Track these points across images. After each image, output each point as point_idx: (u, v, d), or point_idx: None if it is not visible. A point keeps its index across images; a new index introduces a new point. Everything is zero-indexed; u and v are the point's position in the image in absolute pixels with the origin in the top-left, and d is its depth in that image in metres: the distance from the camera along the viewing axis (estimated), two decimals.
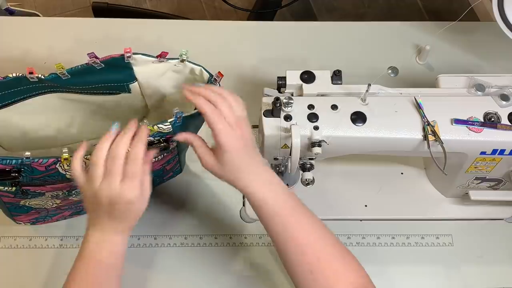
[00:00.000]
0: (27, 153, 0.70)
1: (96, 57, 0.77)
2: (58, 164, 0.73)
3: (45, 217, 0.89)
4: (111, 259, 0.70)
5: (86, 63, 0.78)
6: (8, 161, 0.69)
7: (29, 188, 0.76)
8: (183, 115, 0.74)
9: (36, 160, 0.70)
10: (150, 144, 0.75)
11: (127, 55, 0.78)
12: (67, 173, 0.75)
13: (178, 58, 0.80)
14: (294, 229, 0.69)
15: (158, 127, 0.74)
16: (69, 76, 0.78)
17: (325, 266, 0.68)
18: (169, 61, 0.80)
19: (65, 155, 0.71)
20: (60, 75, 0.78)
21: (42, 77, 0.77)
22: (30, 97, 0.81)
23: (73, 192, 0.81)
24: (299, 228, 0.70)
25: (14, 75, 0.76)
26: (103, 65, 0.78)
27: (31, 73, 0.75)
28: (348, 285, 0.67)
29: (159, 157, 0.82)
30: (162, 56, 0.79)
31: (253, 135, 0.72)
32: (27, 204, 0.81)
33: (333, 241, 0.71)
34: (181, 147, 0.87)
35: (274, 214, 0.70)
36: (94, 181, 0.67)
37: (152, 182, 0.72)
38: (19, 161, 0.69)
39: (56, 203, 0.84)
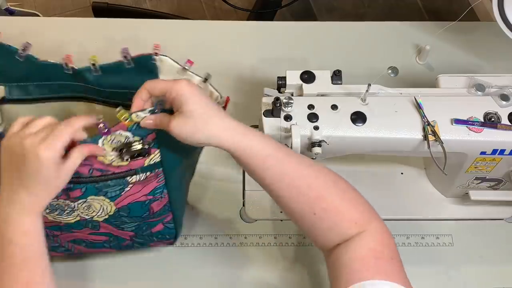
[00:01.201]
0: None
1: (128, 53, 0.75)
2: None
3: None
4: (24, 240, 0.64)
5: (118, 60, 0.75)
6: None
7: None
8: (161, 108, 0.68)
9: None
10: (127, 146, 0.70)
11: (155, 51, 0.75)
12: None
13: (202, 77, 0.77)
14: (290, 170, 0.67)
15: (137, 115, 0.68)
16: (100, 73, 0.76)
17: (327, 205, 0.66)
18: (193, 77, 0.77)
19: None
20: (93, 69, 0.75)
21: (76, 68, 0.75)
22: (59, 99, 0.79)
23: None
24: (294, 168, 0.67)
25: (52, 61, 0.74)
26: (133, 64, 0.75)
27: (66, 64, 0.74)
28: (350, 222, 0.66)
29: (140, 176, 0.72)
30: (189, 63, 0.77)
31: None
32: None
33: (333, 177, 0.69)
34: (172, 182, 0.75)
35: (265, 159, 0.66)
36: (20, 134, 0.63)
37: (133, 240, 0.73)
38: None
39: None
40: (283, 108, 0.77)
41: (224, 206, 0.94)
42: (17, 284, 0.64)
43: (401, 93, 0.81)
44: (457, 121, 0.77)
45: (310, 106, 0.78)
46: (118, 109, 0.69)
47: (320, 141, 0.76)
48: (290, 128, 0.76)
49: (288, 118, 0.77)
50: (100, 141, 0.69)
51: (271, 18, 1.76)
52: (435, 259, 0.90)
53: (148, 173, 0.73)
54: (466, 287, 0.89)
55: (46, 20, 1.29)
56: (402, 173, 0.97)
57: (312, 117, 0.77)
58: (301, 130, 0.76)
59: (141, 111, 0.68)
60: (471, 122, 0.77)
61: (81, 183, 0.71)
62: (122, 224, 0.77)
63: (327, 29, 1.15)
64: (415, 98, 0.79)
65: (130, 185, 0.73)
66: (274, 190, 0.68)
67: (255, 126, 0.98)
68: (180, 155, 0.74)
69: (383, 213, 0.92)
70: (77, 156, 0.65)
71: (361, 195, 0.70)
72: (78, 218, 0.75)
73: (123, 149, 0.69)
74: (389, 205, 0.94)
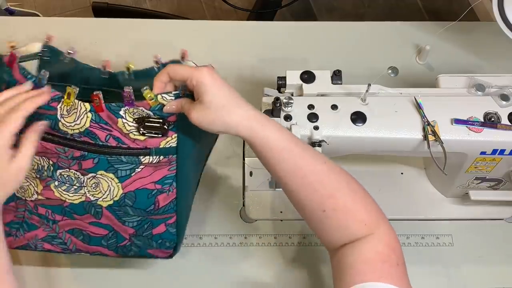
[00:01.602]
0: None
1: (159, 60, 0.76)
2: (60, 103, 0.69)
3: (19, 227, 0.78)
4: None
5: (151, 67, 0.76)
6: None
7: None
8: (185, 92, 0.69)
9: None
10: (146, 121, 0.70)
11: (183, 56, 0.75)
12: (62, 119, 0.70)
13: None
14: (304, 165, 0.67)
15: (162, 96, 0.69)
16: (133, 77, 0.77)
17: (338, 204, 0.66)
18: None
19: (70, 89, 0.68)
20: (126, 73, 0.77)
21: (112, 72, 0.75)
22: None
23: (58, 172, 0.73)
24: (308, 164, 0.67)
25: (92, 65, 0.75)
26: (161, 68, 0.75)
27: (104, 68, 0.75)
28: (359, 223, 0.66)
29: (153, 158, 0.72)
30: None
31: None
32: None
33: (345, 177, 0.69)
34: (182, 175, 0.75)
35: (280, 151, 0.66)
36: None
37: (131, 242, 0.72)
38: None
39: (37, 192, 0.75)
40: (283, 108, 0.77)
41: (224, 206, 0.94)
42: None
43: (401, 93, 0.81)
44: (457, 121, 0.77)
45: (310, 106, 0.78)
46: (144, 88, 0.69)
47: (320, 141, 0.76)
48: (290, 128, 0.76)
49: (288, 118, 0.77)
50: (123, 109, 0.70)
51: (271, 18, 1.76)
52: (435, 259, 0.90)
53: (161, 157, 0.72)
54: (466, 287, 0.89)
55: (46, 20, 1.29)
56: (402, 173, 0.97)
57: (312, 117, 0.77)
58: (301, 130, 0.76)
59: (167, 93, 0.69)
60: (471, 122, 0.77)
61: (95, 153, 0.71)
62: (124, 216, 0.75)
63: (327, 29, 1.15)
64: (415, 98, 0.79)
65: (142, 167, 0.73)
66: (287, 183, 0.68)
67: None
68: (195, 145, 0.74)
69: None
70: (29, 147, 0.64)
71: (371, 197, 0.69)
72: (83, 199, 0.74)
73: (143, 122, 0.70)
74: (389, 205, 0.93)
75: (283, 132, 0.68)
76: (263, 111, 0.78)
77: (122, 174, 0.73)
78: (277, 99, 0.76)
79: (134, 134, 0.71)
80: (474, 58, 1.09)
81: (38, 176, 0.74)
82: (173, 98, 0.69)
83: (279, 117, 0.78)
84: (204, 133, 0.70)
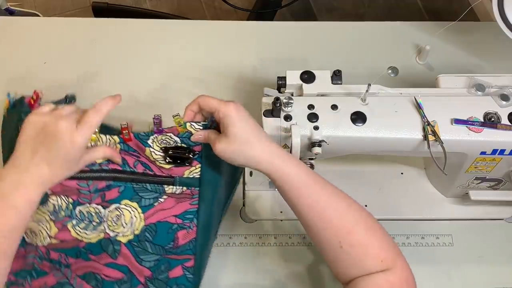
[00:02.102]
0: None
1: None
2: None
3: (27, 275, 0.74)
4: (27, 209, 0.66)
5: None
6: None
7: None
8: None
9: None
10: (172, 149, 0.73)
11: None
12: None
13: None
14: (322, 201, 0.69)
15: (191, 124, 0.72)
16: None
17: (355, 240, 0.67)
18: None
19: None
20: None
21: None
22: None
23: (77, 209, 0.74)
24: (327, 200, 0.69)
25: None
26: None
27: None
28: (376, 260, 0.67)
29: (177, 188, 0.75)
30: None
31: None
32: None
33: (364, 213, 0.70)
34: (204, 211, 0.76)
35: (300, 187, 0.68)
36: (54, 114, 0.69)
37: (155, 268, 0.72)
38: None
39: (50, 236, 0.74)
40: (283, 108, 0.77)
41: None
42: None
43: (401, 93, 0.81)
44: (457, 121, 0.77)
45: (310, 106, 0.78)
46: (175, 114, 0.73)
47: (320, 141, 0.76)
48: (290, 128, 0.76)
49: (288, 118, 0.77)
50: (151, 138, 0.74)
51: (271, 18, 1.76)
52: (435, 259, 0.90)
53: (184, 188, 0.76)
54: (466, 287, 0.89)
55: (46, 20, 1.29)
56: (402, 173, 0.97)
57: (312, 117, 0.77)
58: (301, 130, 0.76)
59: (196, 122, 0.73)
60: (471, 122, 0.77)
61: (122, 180, 0.73)
62: (142, 254, 0.74)
63: (327, 29, 1.15)
64: (415, 98, 0.79)
65: (165, 197, 0.75)
66: (305, 218, 0.70)
67: None
68: (217, 178, 0.76)
69: (383, 213, 0.93)
70: (100, 153, 0.72)
71: (388, 234, 0.71)
72: (101, 236, 0.73)
73: (169, 150, 0.73)
74: (389, 205, 0.94)
75: (303, 168, 0.70)
76: (263, 111, 0.78)
77: (146, 203, 0.74)
78: (277, 99, 0.76)
79: (160, 163, 0.75)
80: (474, 58, 1.09)
81: (53, 218, 0.74)
82: (201, 128, 0.73)
83: (279, 117, 0.77)
84: (226, 168, 0.74)
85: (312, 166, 0.83)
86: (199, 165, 0.75)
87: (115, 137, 0.75)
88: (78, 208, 0.74)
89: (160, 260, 0.75)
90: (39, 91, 0.80)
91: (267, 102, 0.79)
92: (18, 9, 1.53)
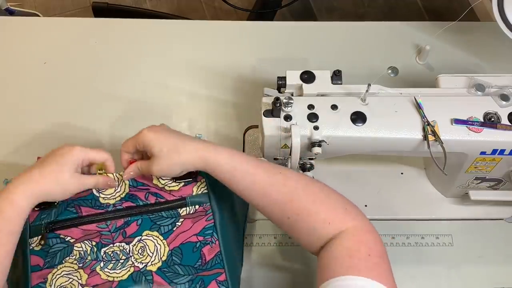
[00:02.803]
0: None
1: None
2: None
3: None
4: (10, 212, 0.68)
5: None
6: None
7: (60, 233, 0.74)
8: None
9: None
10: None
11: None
12: (100, 194, 0.76)
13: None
14: (258, 179, 0.71)
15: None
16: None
17: (298, 208, 0.70)
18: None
19: (101, 165, 0.76)
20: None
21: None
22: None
23: (102, 251, 0.74)
24: (262, 177, 0.71)
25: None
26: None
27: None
28: (323, 223, 0.68)
29: (190, 209, 0.77)
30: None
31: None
32: (53, 282, 0.72)
33: (303, 181, 0.72)
34: (221, 223, 0.77)
35: (234, 172, 0.71)
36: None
37: None
38: None
39: (82, 284, 0.73)
40: (283, 108, 0.77)
41: None
42: None
43: (401, 93, 0.81)
44: (457, 121, 0.77)
45: (310, 106, 0.78)
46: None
47: (320, 141, 0.76)
48: (290, 128, 0.76)
49: (288, 118, 0.77)
50: None
51: (271, 18, 1.76)
52: (435, 259, 0.90)
53: (197, 206, 0.77)
54: (466, 287, 0.89)
55: (46, 20, 1.29)
56: (402, 173, 0.97)
57: (312, 117, 0.77)
58: (301, 130, 0.76)
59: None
60: (471, 122, 0.77)
61: (137, 214, 0.76)
62: (175, 277, 0.74)
63: (327, 29, 1.15)
64: (415, 98, 0.79)
65: (181, 220, 0.76)
66: (249, 199, 0.73)
67: (255, 126, 0.98)
68: (225, 189, 0.76)
69: (383, 213, 0.93)
70: (97, 179, 0.74)
71: (338, 196, 0.72)
72: (131, 270, 0.73)
73: None
74: (389, 205, 0.94)
75: (233, 153, 0.72)
76: (263, 111, 0.78)
77: (165, 230, 0.75)
78: (277, 99, 0.76)
79: (169, 186, 0.77)
80: (474, 58, 1.09)
81: (81, 265, 0.74)
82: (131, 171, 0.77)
83: (279, 117, 0.77)
84: None
85: (312, 166, 0.83)
86: (204, 179, 0.78)
87: (122, 173, 0.77)
88: (102, 250, 0.75)
89: (193, 280, 0.75)
90: None
91: (267, 102, 0.79)
92: (18, 9, 1.53)
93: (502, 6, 0.85)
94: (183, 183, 0.77)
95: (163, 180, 0.77)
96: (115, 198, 0.77)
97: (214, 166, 0.71)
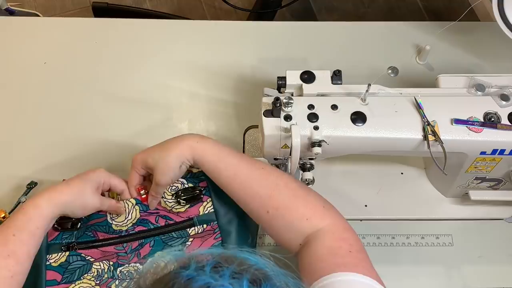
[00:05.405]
0: None
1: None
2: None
3: None
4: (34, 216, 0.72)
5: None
6: None
7: (81, 252, 0.77)
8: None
9: None
10: (182, 192, 0.79)
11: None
12: (113, 221, 0.79)
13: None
14: (240, 172, 0.74)
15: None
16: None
17: (277, 203, 0.71)
18: None
19: (113, 193, 0.80)
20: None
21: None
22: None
23: (118, 270, 0.78)
24: (245, 171, 0.74)
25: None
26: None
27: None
28: (301, 219, 0.70)
29: (198, 228, 0.79)
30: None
31: None
32: None
33: (284, 179, 0.74)
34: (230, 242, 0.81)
35: (217, 164, 0.74)
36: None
37: None
38: None
39: None
40: (283, 108, 0.77)
41: None
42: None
43: (401, 93, 0.81)
44: (457, 121, 0.77)
45: (310, 106, 0.78)
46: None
47: (320, 141, 0.76)
48: (290, 128, 0.76)
49: (288, 118, 0.77)
50: None
51: (271, 18, 1.76)
52: (435, 259, 0.90)
53: (205, 225, 0.80)
54: (466, 287, 0.89)
55: (46, 20, 1.29)
56: (402, 173, 0.97)
57: (312, 117, 0.77)
58: (301, 130, 0.76)
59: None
60: (471, 122, 0.77)
61: (149, 237, 0.78)
62: None
63: (327, 29, 1.15)
64: (415, 98, 0.79)
65: (191, 239, 0.78)
66: (230, 191, 0.75)
67: (255, 126, 0.98)
68: (230, 205, 0.78)
69: (383, 213, 0.93)
70: (111, 203, 0.78)
71: (316, 195, 0.74)
72: None
73: (180, 193, 0.79)
74: (389, 205, 0.93)
75: (218, 146, 0.75)
76: (263, 111, 0.78)
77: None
78: (277, 99, 0.76)
79: (176, 208, 0.80)
80: (474, 58, 1.09)
81: (98, 281, 0.77)
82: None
83: (279, 117, 0.77)
84: None
85: (312, 166, 0.83)
86: (210, 199, 0.80)
87: (132, 200, 0.80)
88: (118, 269, 0.78)
89: None
90: (4, 212, 0.84)
91: (267, 102, 0.79)
92: (18, 9, 1.53)
93: (502, 6, 0.85)
94: (188, 205, 0.80)
95: (170, 202, 0.79)
96: (127, 225, 0.80)
97: (201, 153, 0.74)
